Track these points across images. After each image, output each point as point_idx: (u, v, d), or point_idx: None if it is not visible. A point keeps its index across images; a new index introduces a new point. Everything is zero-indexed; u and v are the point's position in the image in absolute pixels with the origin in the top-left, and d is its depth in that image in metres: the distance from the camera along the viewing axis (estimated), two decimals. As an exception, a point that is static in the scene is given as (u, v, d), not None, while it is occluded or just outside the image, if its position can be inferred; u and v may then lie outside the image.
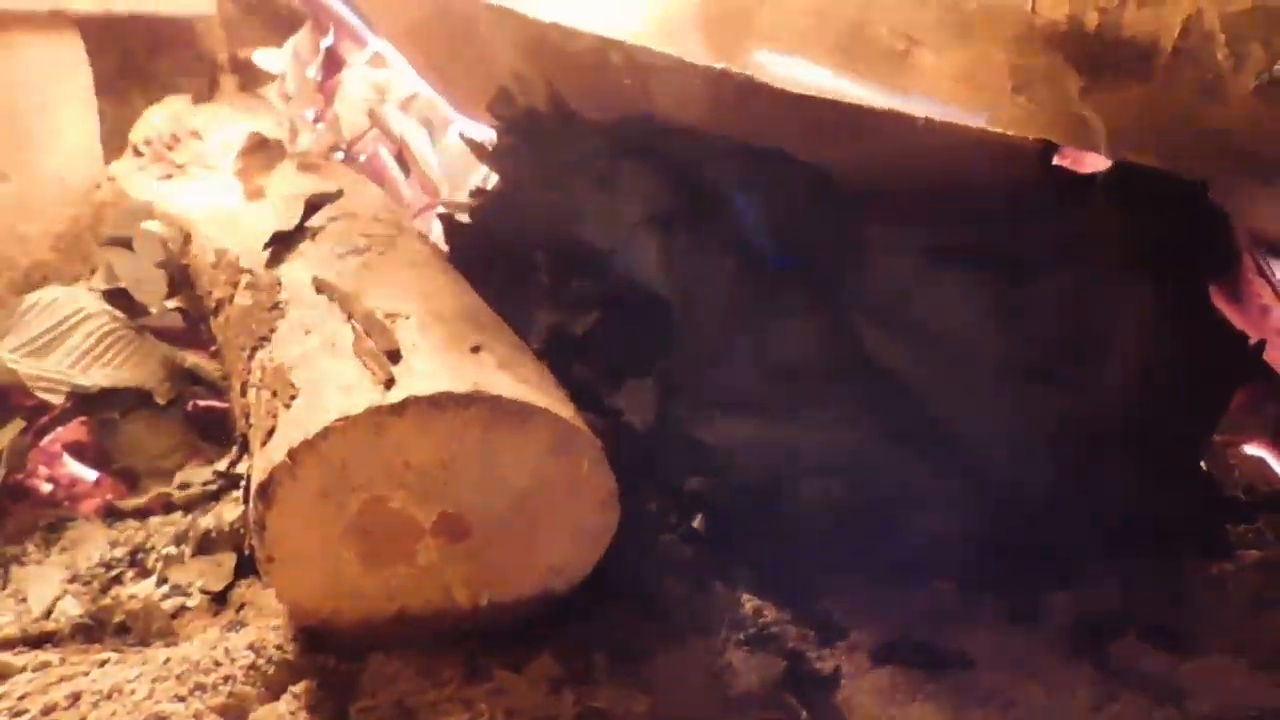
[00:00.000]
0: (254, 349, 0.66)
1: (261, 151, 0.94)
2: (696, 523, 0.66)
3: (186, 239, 0.91)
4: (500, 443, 0.53)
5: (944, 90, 0.68)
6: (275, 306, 0.67)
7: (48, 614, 0.68)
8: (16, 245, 1.06)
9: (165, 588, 0.67)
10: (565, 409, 0.55)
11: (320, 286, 0.65)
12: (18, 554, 0.75)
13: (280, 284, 0.70)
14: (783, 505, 0.57)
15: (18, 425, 0.75)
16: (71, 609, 0.69)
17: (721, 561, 0.64)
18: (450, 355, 0.55)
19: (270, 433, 0.55)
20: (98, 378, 0.82)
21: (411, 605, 0.56)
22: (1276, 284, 0.61)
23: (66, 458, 0.83)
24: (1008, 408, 0.55)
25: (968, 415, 0.55)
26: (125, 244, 0.93)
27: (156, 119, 1.27)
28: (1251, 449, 0.66)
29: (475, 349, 0.57)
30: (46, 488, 0.82)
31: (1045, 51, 0.63)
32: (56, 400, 0.78)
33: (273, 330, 0.65)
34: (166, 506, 0.80)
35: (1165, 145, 0.65)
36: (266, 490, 0.52)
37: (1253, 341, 0.61)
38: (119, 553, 0.76)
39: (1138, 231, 0.59)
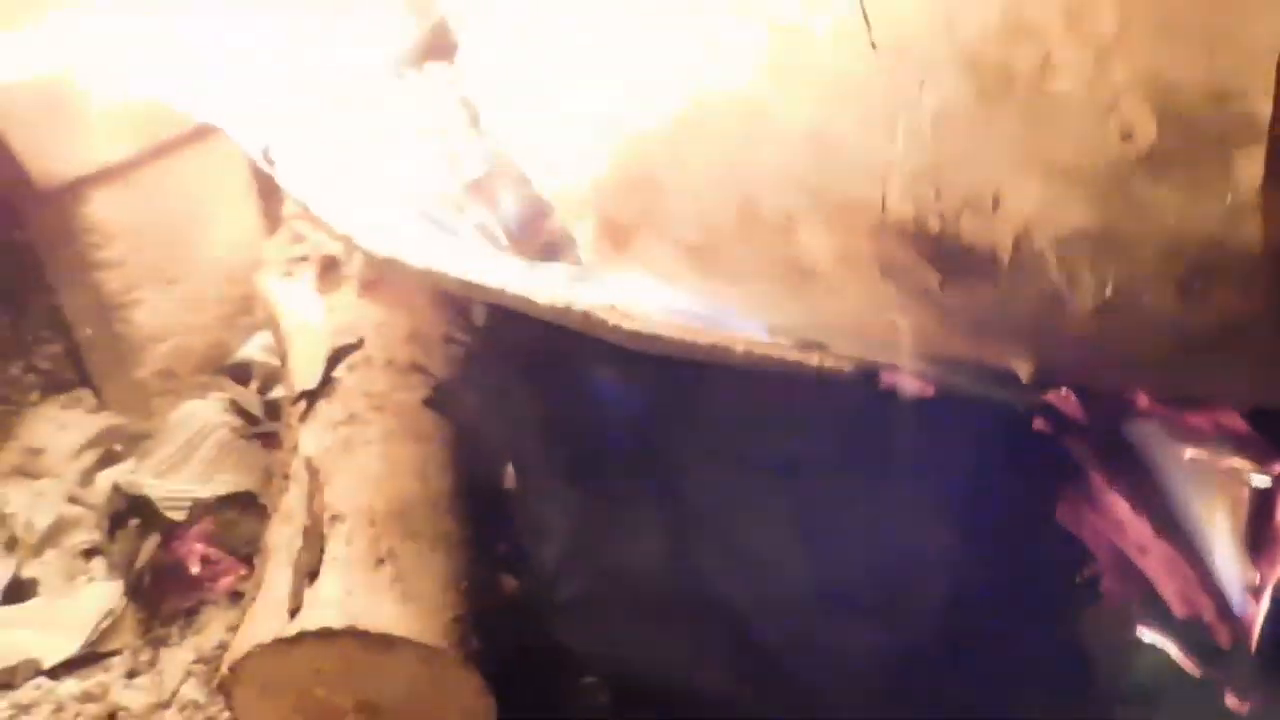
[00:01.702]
0: (271, 515, 0.83)
1: (331, 271, 1.10)
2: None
3: (284, 359, 1.09)
4: (378, 657, 0.66)
5: (825, 267, 0.68)
6: (286, 476, 0.83)
7: (173, 695, 0.93)
8: (194, 335, 1.32)
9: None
10: (436, 623, 0.66)
11: (309, 468, 0.80)
12: (165, 636, 1.01)
13: (296, 449, 0.85)
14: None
15: (155, 539, 0.99)
16: (191, 693, 0.92)
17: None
18: (355, 574, 0.68)
19: (238, 626, 0.72)
20: (217, 486, 1.04)
21: (353, 760, 0.72)
22: (1131, 497, 0.57)
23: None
24: (823, 635, 0.58)
25: (787, 641, 0.59)
26: (242, 369, 1.14)
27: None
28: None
29: (380, 560, 0.69)
30: (196, 569, 1.07)
31: (901, 245, 0.62)
32: (180, 516, 1.01)
33: (278, 505, 0.81)
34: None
35: (1029, 349, 0.61)
36: (224, 686, 0.69)
37: (1107, 555, 0.58)
38: (231, 636, 0.99)
39: (965, 452, 0.57)
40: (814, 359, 0.61)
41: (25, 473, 1.19)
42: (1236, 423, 0.65)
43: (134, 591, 1.00)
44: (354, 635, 0.65)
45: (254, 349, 1.17)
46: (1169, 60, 0.48)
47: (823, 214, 0.66)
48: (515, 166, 1.00)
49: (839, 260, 0.67)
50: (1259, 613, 0.62)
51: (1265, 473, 0.65)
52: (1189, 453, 0.64)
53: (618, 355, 0.74)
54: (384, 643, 0.65)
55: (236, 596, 1.04)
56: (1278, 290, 0.48)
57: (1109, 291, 0.53)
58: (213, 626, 1.00)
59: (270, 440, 1.12)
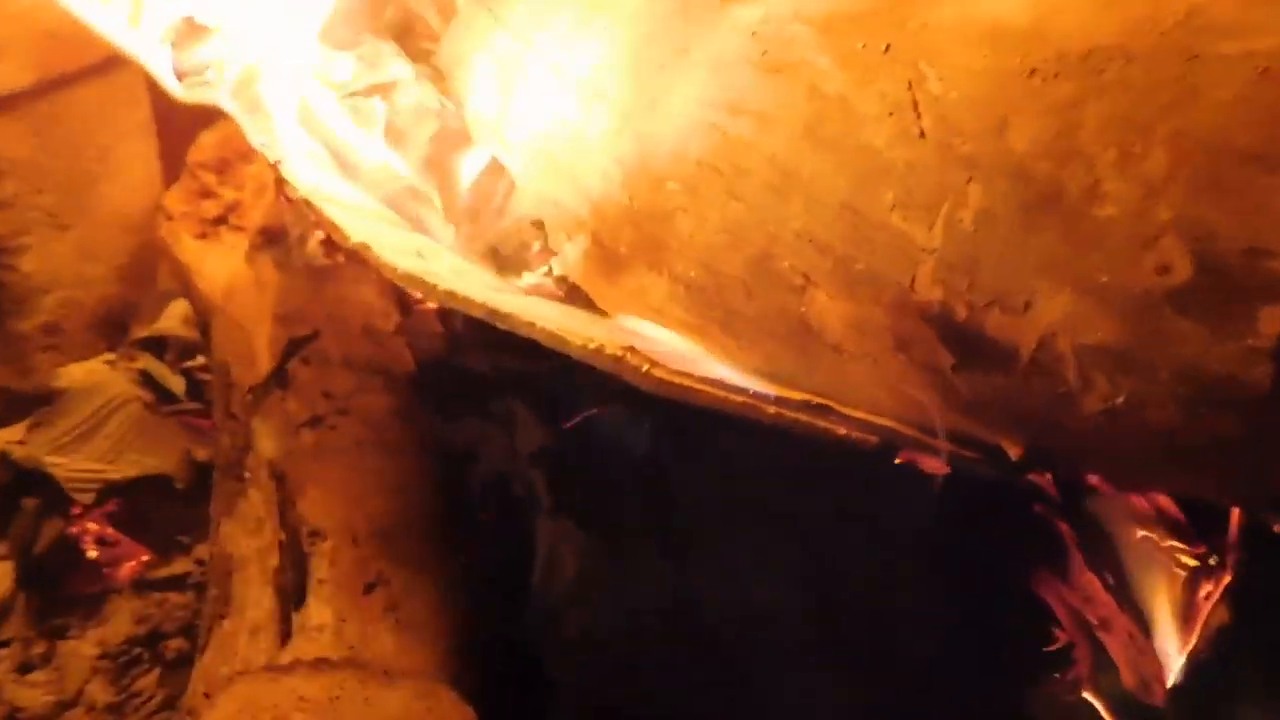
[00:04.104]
0: (220, 518, 0.78)
1: (271, 247, 1.03)
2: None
3: (205, 331, 1.02)
4: (371, 689, 0.65)
5: (834, 330, 0.71)
6: (240, 477, 0.79)
7: (78, 695, 0.87)
8: (83, 288, 1.21)
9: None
10: (434, 655, 0.66)
11: (273, 473, 0.76)
12: (63, 626, 0.93)
13: (248, 448, 0.81)
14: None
15: (58, 524, 0.92)
16: (100, 692, 0.86)
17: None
18: (345, 600, 0.66)
19: (205, 646, 0.68)
20: (127, 468, 0.97)
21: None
22: (1100, 576, 0.64)
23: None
24: (812, 680, 0.62)
25: (781, 684, 0.63)
26: (157, 342, 1.06)
27: (208, 142, 1.37)
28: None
29: (371, 585, 0.67)
30: (93, 553, 1.00)
31: (921, 324, 0.66)
32: (87, 499, 0.94)
33: (232, 506, 0.77)
34: (184, 582, 0.97)
35: (1025, 434, 0.67)
36: (194, 710, 0.65)
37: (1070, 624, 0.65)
38: (141, 630, 0.93)
39: (960, 527, 0.63)
40: (841, 429, 0.64)
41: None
42: (1172, 507, 0.74)
43: (28, 576, 0.92)
44: (352, 666, 0.63)
45: (173, 320, 1.08)
46: (1211, 211, 0.54)
47: (843, 281, 0.69)
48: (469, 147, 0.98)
49: (851, 327, 0.71)
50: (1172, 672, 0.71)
51: (1193, 555, 0.74)
52: (1140, 533, 0.73)
53: (623, 393, 0.75)
54: (382, 675, 0.64)
55: (142, 585, 0.98)
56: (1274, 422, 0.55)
57: (1119, 400, 0.60)
58: (118, 618, 0.94)
59: (187, 419, 1.05)
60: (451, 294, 0.68)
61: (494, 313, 0.68)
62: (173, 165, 1.35)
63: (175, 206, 1.32)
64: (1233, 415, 0.57)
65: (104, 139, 1.26)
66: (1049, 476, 0.71)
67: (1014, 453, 0.68)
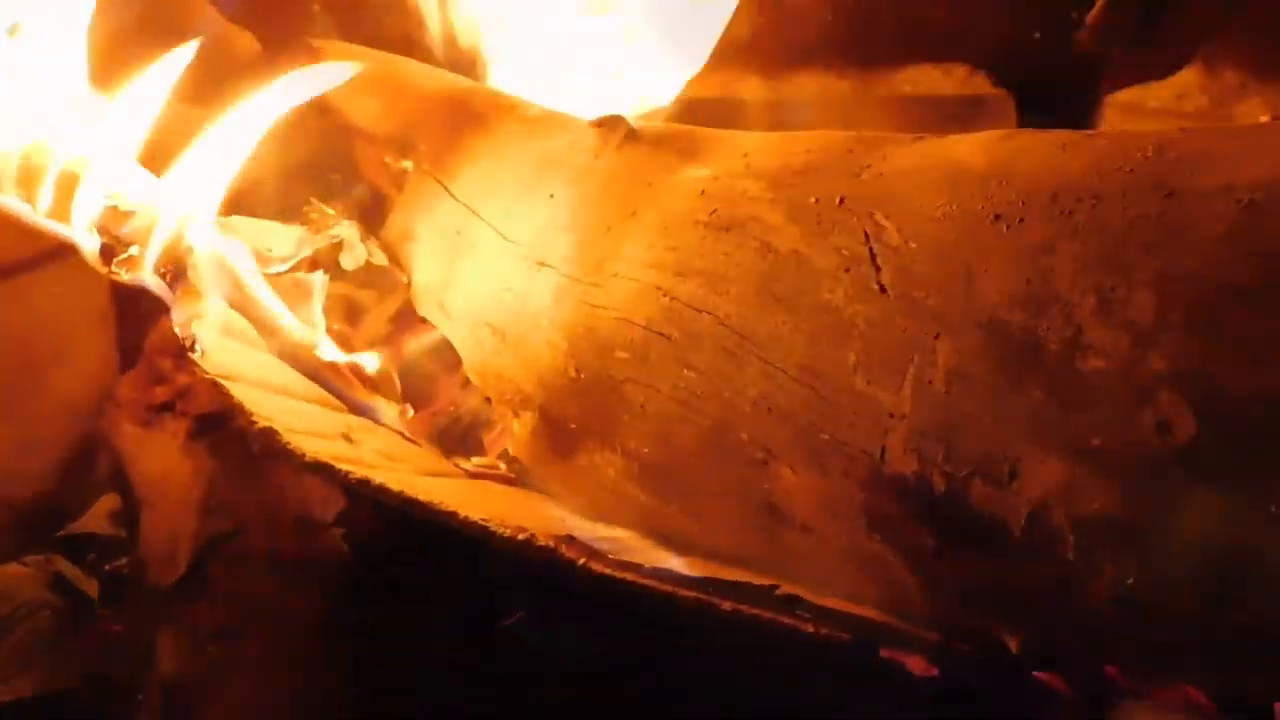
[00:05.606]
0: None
1: (209, 433, 0.97)
2: None
3: (133, 527, 0.94)
4: None
5: (802, 509, 0.63)
6: (134, 700, 0.69)
7: None
8: (17, 483, 1.14)
9: None
10: None
11: (167, 695, 0.66)
12: None
13: (149, 664, 0.71)
14: None
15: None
16: None
17: None
18: None
19: None
20: (20, 687, 0.86)
21: None
22: None
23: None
24: None
25: None
26: (81, 541, 0.98)
27: (169, 326, 1.34)
28: None
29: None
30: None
31: (896, 500, 0.58)
32: (-28, 722, 0.83)
33: (120, 734, 0.67)
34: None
35: (1026, 623, 0.58)
36: None
37: None
38: None
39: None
40: (809, 625, 0.55)
41: None
42: (1205, 699, 0.64)
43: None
44: None
45: (98, 518, 1.00)
46: (1212, 358, 0.47)
47: (808, 453, 0.61)
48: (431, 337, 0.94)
49: (819, 505, 0.62)
50: None
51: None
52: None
53: (564, 589, 0.67)
54: None
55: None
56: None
57: (1130, 583, 0.51)
58: None
59: (104, 627, 0.95)
60: (365, 482, 0.61)
61: (411, 501, 0.60)
62: (138, 352, 1.32)
63: (125, 393, 1.27)
64: (1267, 597, 0.48)
65: (57, 327, 1.22)
66: (1058, 672, 0.62)
67: (1014, 645, 0.59)
